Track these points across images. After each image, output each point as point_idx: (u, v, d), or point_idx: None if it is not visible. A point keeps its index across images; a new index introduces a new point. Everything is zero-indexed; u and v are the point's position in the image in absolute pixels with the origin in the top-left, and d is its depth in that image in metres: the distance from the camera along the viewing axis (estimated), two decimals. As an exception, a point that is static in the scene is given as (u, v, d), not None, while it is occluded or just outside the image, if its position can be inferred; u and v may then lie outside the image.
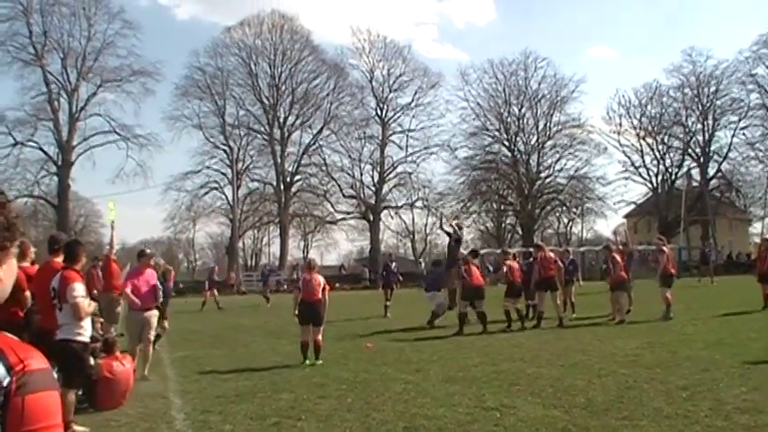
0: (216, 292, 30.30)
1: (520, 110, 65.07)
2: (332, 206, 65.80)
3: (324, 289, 11.45)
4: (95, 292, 13.26)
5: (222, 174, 62.12)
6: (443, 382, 9.07)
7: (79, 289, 6.95)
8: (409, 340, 14.13)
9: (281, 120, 63.69)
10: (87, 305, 7.09)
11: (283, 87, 63.74)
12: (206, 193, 62.87)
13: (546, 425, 6.64)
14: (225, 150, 62.26)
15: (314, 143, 64.49)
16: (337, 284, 48.53)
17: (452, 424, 6.80)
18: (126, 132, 58.52)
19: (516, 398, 7.87)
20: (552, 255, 17.54)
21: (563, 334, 14.46)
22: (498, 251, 44.42)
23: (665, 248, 17.55)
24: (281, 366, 11.13)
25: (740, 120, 62.08)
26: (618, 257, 17.09)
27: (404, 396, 8.26)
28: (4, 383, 1.37)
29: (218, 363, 11.93)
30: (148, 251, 11.59)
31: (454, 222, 21.14)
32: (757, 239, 48.68)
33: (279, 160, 62.64)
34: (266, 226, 68.77)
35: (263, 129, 63.58)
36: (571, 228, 75.44)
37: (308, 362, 11.20)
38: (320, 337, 11.47)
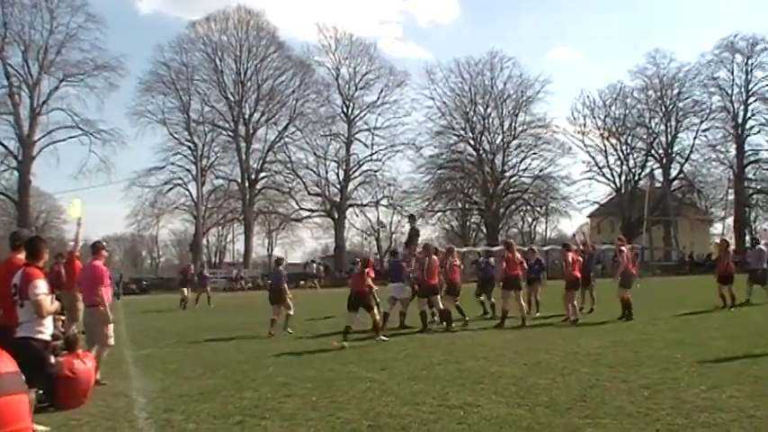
0: (186, 291, 29.94)
1: (485, 109, 65.57)
2: (297, 203, 65.87)
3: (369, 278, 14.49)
4: (57, 291, 13.05)
5: (186, 170, 61.79)
6: (408, 381, 9.08)
7: (41, 286, 6.84)
8: (374, 338, 14.13)
9: (247, 116, 63.42)
10: (50, 303, 6.98)
11: (249, 84, 63.53)
12: (170, 190, 62.53)
13: (509, 423, 6.68)
14: (189, 147, 61.85)
15: (279, 140, 64.38)
16: (302, 282, 48.51)
17: (416, 422, 6.81)
18: (89, 127, 58.01)
19: (480, 396, 7.90)
20: (519, 255, 17.52)
21: (526, 333, 14.55)
22: (464, 249, 44.66)
23: (624, 248, 17.71)
24: (245, 365, 11.08)
25: (702, 122, 63.34)
26: (571, 257, 17.20)
27: (368, 394, 8.26)
28: None
29: (182, 361, 11.83)
30: (104, 242, 11.46)
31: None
32: (718, 240, 49.48)
33: (244, 157, 62.37)
34: (230, 223, 68.52)
35: (227, 125, 63.26)
36: (535, 227, 76.33)
37: (345, 344, 12.81)
38: (378, 318, 14.15)
